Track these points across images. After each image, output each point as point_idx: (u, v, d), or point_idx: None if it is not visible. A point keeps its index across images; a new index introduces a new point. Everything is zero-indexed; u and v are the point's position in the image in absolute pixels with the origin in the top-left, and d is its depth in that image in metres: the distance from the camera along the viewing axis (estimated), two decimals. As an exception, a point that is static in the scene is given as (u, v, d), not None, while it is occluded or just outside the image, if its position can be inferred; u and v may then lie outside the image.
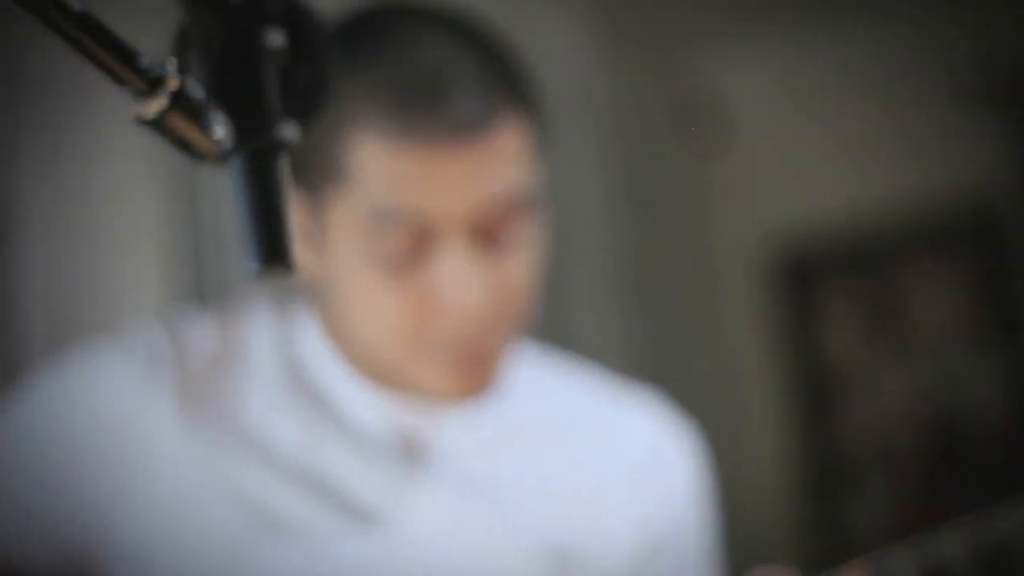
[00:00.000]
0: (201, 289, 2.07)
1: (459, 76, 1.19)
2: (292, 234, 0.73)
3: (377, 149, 1.18)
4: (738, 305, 4.34)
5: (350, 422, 1.26)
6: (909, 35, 4.10)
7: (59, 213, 1.90)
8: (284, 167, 0.75)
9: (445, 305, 1.19)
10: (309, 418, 1.27)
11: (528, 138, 1.23)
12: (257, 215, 0.73)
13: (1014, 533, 1.07)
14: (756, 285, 4.35)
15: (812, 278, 4.33)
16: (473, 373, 1.24)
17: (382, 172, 1.18)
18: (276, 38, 0.76)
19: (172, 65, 0.72)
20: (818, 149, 4.20)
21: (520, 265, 1.23)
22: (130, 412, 1.24)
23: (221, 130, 0.74)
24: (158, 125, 0.72)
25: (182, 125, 0.73)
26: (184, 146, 0.74)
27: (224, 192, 2.09)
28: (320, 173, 1.20)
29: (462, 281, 1.19)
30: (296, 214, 1.20)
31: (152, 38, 0.82)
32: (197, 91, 0.73)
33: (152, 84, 0.71)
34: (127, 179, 1.99)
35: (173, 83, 0.72)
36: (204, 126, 0.73)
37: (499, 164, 1.20)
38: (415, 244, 1.19)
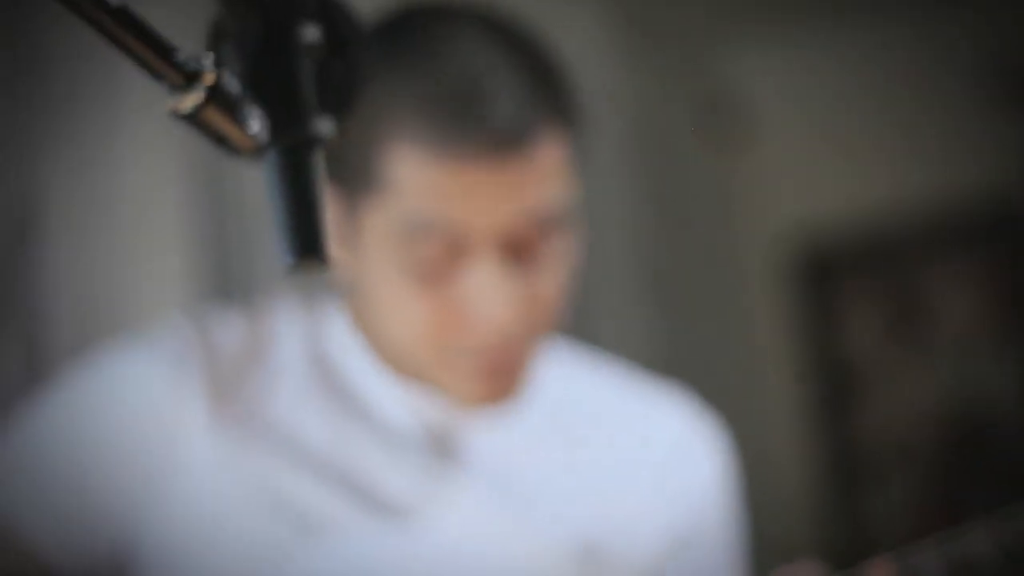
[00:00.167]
0: (228, 287, 2.07)
1: (500, 86, 1.18)
2: (327, 229, 0.73)
3: (413, 160, 1.17)
4: (759, 302, 4.33)
5: (379, 418, 1.27)
6: (930, 32, 4.09)
7: (84, 211, 1.90)
8: (319, 162, 0.75)
9: (472, 319, 1.19)
10: (338, 414, 1.27)
11: (566, 152, 1.22)
12: (292, 210, 0.73)
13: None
14: (777, 282, 4.35)
15: (833, 275, 4.33)
16: (497, 381, 1.24)
17: (417, 183, 1.17)
18: (311, 32, 0.76)
19: (208, 59, 0.72)
20: (839, 146, 4.19)
21: (551, 280, 1.23)
22: (159, 411, 1.24)
23: (256, 124, 0.74)
24: (194, 119, 0.72)
25: (218, 119, 0.73)
26: (219, 141, 0.74)
27: (250, 189, 2.09)
28: (356, 178, 1.20)
29: (491, 296, 1.19)
30: (332, 212, 1.20)
31: (188, 32, 0.82)
32: (233, 85, 0.73)
33: (188, 78, 0.71)
34: (153, 177, 2.00)
35: (209, 77, 0.72)
36: (240, 120, 0.74)
37: (535, 180, 1.19)
38: (447, 256, 1.18)
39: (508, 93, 1.18)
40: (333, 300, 1.31)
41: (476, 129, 1.16)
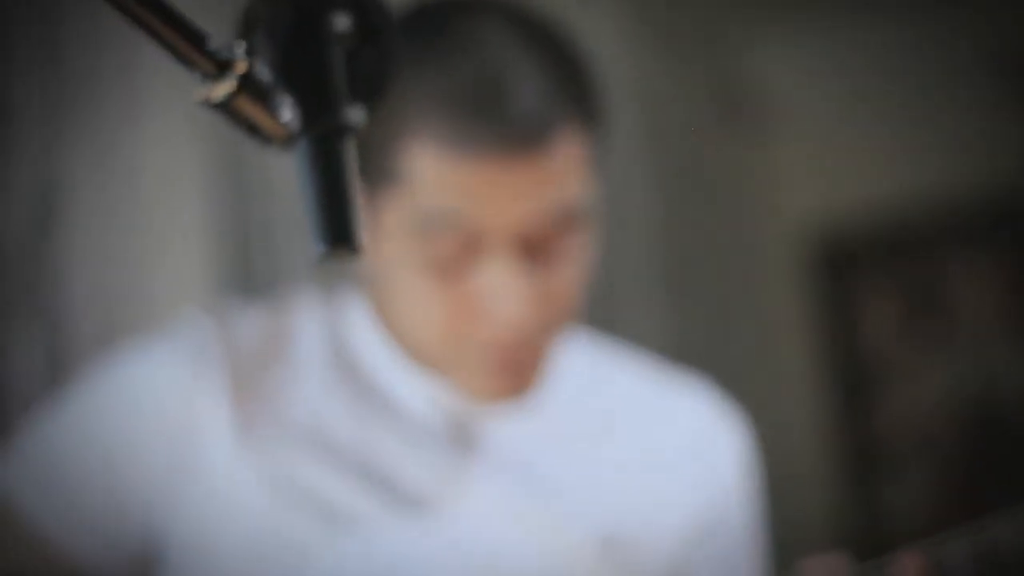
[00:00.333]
0: (250, 281, 2.07)
1: (521, 82, 1.17)
2: (359, 216, 0.73)
3: (432, 155, 1.16)
4: (778, 294, 4.33)
5: (401, 409, 1.27)
6: (950, 24, 4.08)
7: (105, 205, 1.90)
8: (351, 150, 0.75)
9: (486, 315, 1.19)
10: (360, 407, 1.27)
11: (586, 149, 1.21)
12: (324, 198, 0.73)
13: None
14: (795, 275, 4.34)
15: (852, 267, 4.32)
16: (510, 377, 1.24)
17: (435, 178, 1.17)
18: (342, 21, 0.76)
19: (240, 48, 0.72)
20: (858, 138, 4.18)
21: (567, 277, 1.22)
22: (181, 408, 1.24)
23: (288, 113, 0.74)
24: (226, 108, 0.72)
25: (249, 108, 0.73)
26: (251, 129, 0.75)
27: (274, 180, 2.09)
28: (375, 172, 1.19)
29: (504, 293, 1.18)
30: None
31: (219, 20, 0.82)
32: (264, 74, 0.74)
33: (220, 67, 0.71)
34: (174, 171, 2.00)
35: (241, 66, 0.72)
36: (271, 109, 0.74)
37: (553, 178, 1.18)
38: (463, 251, 1.18)
39: (529, 90, 1.17)
40: (354, 292, 1.31)
41: (495, 126, 1.15)
